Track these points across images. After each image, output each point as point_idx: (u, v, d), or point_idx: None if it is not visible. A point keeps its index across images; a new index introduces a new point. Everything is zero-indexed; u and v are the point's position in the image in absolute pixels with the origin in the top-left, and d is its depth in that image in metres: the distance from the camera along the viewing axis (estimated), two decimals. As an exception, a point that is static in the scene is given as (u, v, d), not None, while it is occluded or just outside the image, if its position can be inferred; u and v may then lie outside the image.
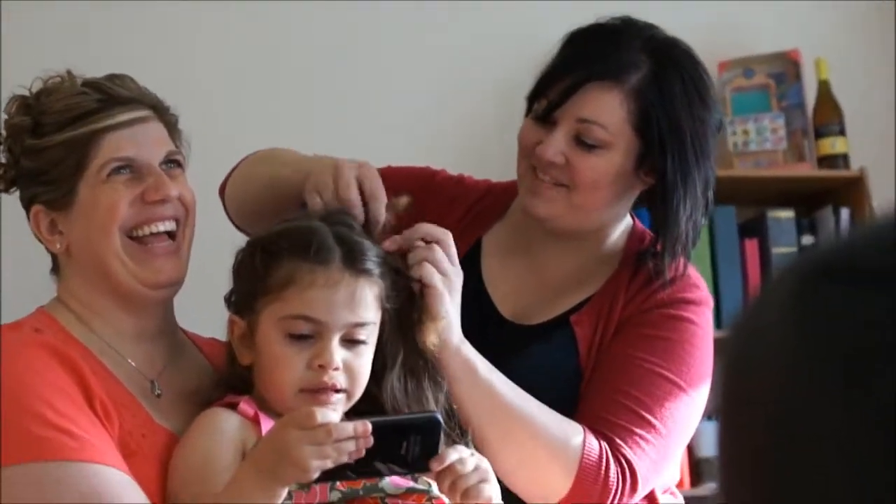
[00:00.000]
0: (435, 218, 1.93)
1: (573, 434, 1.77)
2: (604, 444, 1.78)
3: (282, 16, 3.58)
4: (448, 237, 1.78)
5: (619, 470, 1.77)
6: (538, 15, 3.69)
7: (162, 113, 1.78)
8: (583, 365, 1.87)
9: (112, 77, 1.77)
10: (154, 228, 1.72)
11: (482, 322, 1.91)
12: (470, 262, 1.96)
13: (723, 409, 0.70)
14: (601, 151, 1.83)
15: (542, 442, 1.76)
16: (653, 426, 1.81)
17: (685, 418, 1.86)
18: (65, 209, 1.72)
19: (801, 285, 0.67)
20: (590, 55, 1.86)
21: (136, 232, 1.72)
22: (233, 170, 2.05)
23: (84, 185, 1.71)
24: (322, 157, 1.87)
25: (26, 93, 1.76)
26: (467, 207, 2.04)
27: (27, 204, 1.76)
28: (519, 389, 1.79)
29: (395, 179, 1.92)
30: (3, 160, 1.77)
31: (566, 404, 1.83)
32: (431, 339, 1.72)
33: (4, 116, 1.77)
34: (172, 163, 1.77)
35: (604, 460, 1.76)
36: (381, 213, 1.77)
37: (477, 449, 1.69)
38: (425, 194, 2.00)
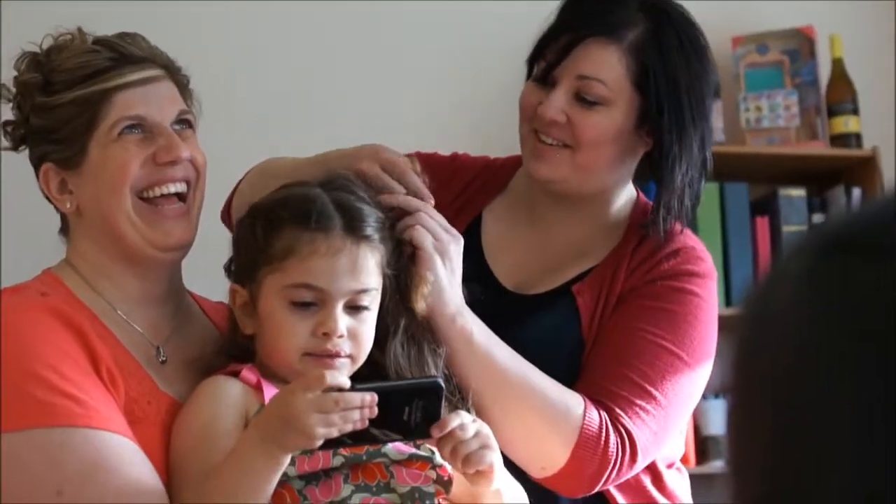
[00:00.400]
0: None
1: (573, 404, 1.77)
2: (604, 414, 1.77)
3: (283, 4, 3.55)
4: (427, 206, 1.78)
5: (618, 440, 1.76)
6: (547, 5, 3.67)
7: (174, 72, 1.77)
8: (585, 335, 1.86)
9: (123, 35, 1.75)
10: (165, 190, 1.71)
11: (485, 293, 1.90)
12: (470, 236, 1.95)
13: (735, 384, 0.69)
14: (602, 108, 1.83)
15: (541, 411, 1.76)
16: (653, 397, 1.80)
17: (687, 391, 1.85)
18: (75, 168, 1.70)
19: (815, 260, 0.66)
20: (587, 13, 1.86)
21: (147, 193, 1.71)
22: (235, 188, 2.01)
23: (95, 144, 1.69)
24: (334, 158, 1.85)
25: (36, 49, 1.75)
26: (464, 185, 2.03)
27: (37, 163, 1.74)
28: (520, 358, 1.78)
29: None
30: (13, 117, 1.75)
31: (568, 374, 1.83)
32: (419, 304, 1.72)
33: (14, 73, 1.75)
34: (184, 122, 1.75)
35: (603, 431, 1.76)
36: (418, 185, 1.78)
37: (477, 416, 1.69)
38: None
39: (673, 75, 1.84)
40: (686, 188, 1.88)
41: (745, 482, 0.67)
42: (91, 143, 1.69)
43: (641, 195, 2.00)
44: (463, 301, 1.78)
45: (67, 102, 1.69)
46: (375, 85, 3.57)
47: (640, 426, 1.79)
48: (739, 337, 0.69)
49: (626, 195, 1.97)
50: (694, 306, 1.86)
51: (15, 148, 1.76)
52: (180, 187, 1.73)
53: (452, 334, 1.76)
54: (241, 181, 2.02)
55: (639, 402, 1.79)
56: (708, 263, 1.92)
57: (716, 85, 1.92)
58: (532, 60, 1.90)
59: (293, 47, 3.54)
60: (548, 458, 1.77)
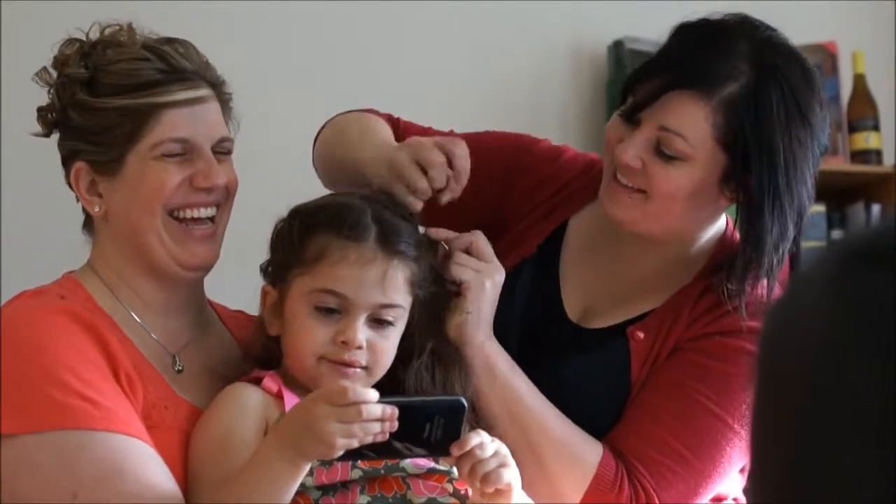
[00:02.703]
0: (521, 197, 1.92)
1: (590, 451, 1.76)
2: (622, 466, 1.75)
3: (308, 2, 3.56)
4: (477, 237, 1.78)
5: (633, 494, 1.74)
6: (567, 3, 3.68)
7: (219, 91, 1.76)
8: (633, 380, 1.82)
9: (173, 43, 1.73)
10: (196, 213, 1.72)
11: (546, 317, 1.88)
12: (552, 245, 1.93)
13: (757, 389, 0.69)
14: (680, 164, 1.74)
15: (555, 453, 1.75)
16: (684, 458, 1.76)
17: (727, 455, 1.78)
18: (109, 174, 1.70)
19: (839, 269, 0.67)
20: (684, 58, 1.75)
21: (179, 213, 1.71)
22: (323, 127, 2.01)
23: (134, 156, 1.69)
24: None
25: (83, 36, 1.73)
26: (560, 186, 1.96)
27: (68, 156, 1.73)
28: (542, 398, 1.77)
29: (489, 150, 1.90)
30: (49, 101, 1.73)
31: (608, 417, 1.81)
32: (451, 331, 1.75)
33: (54, 55, 1.73)
34: (223, 148, 1.75)
35: (618, 483, 1.74)
36: (458, 190, 1.76)
37: None
38: (516, 172, 1.96)
39: (769, 137, 1.72)
40: (774, 263, 1.77)
41: (765, 487, 0.67)
42: (130, 155, 1.69)
43: (730, 228, 1.88)
44: (491, 332, 1.77)
45: (112, 109, 1.68)
46: (400, 79, 3.58)
47: (664, 487, 1.76)
48: (761, 344, 0.69)
49: (714, 229, 1.87)
50: (749, 368, 1.77)
51: (47, 134, 1.75)
52: (211, 212, 1.73)
53: (477, 362, 1.75)
54: (324, 127, 2.00)
55: (667, 462, 1.76)
56: None
57: (823, 147, 1.78)
58: (625, 90, 1.81)
59: (317, 42, 3.55)
60: (557, 501, 1.76)
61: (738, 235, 1.84)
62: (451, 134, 1.98)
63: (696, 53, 1.75)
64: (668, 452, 1.77)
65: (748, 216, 1.76)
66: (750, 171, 1.73)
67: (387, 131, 1.93)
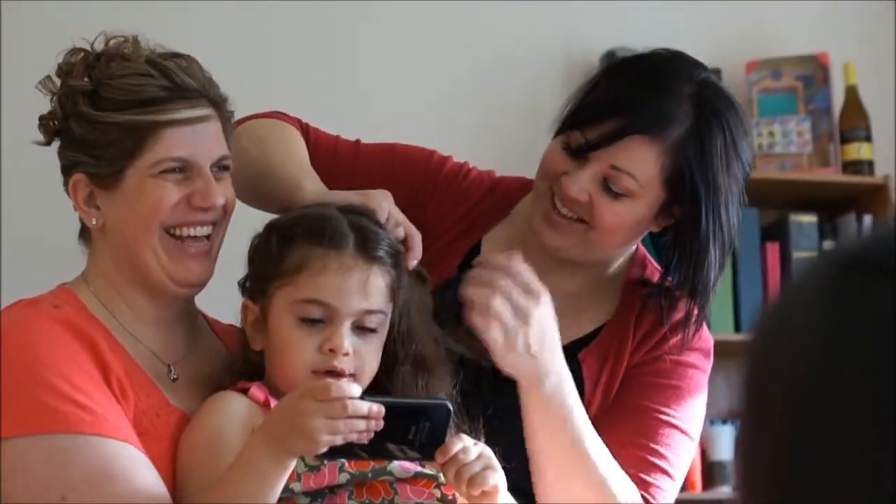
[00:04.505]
0: (434, 217, 1.92)
1: (628, 495, 1.77)
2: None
3: (297, 7, 3.55)
4: (508, 277, 1.70)
5: None
6: (560, 13, 3.68)
7: (222, 109, 1.75)
8: (587, 403, 1.82)
9: (178, 59, 1.73)
10: (193, 232, 1.72)
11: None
12: (470, 266, 1.89)
13: (746, 402, 0.69)
14: (626, 200, 1.80)
15: (596, 494, 1.75)
16: (669, 475, 1.85)
17: (688, 459, 1.91)
18: (107, 188, 1.70)
19: (831, 279, 0.67)
20: (635, 103, 1.80)
21: (175, 231, 1.71)
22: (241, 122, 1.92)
23: (133, 172, 1.68)
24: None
25: (87, 46, 1.72)
26: (469, 206, 1.98)
27: (67, 167, 1.73)
28: (594, 434, 1.76)
29: (400, 170, 1.93)
30: (51, 108, 1.73)
31: None
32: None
33: (59, 63, 1.73)
34: (223, 166, 1.75)
35: None
36: (420, 246, 1.77)
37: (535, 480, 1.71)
38: (428, 191, 1.96)
39: (713, 177, 1.80)
40: (716, 284, 1.88)
41: (758, 496, 0.67)
42: (129, 171, 1.68)
43: (640, 248, 1.98)
44: (555, 366, 1.73)
45: (113, 124, 1.67)
46: (393, 89, 3.58)
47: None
48: (752, 354, 0.69)
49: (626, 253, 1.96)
50: (696, 380, 1.89)
51: (48, 142, 1.75)
52: (208, 230, 1.73)
53: (551, 407, 1.72)
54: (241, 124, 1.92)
55: (661, 483, 1.84)
56: (706, 331, 1.94)
57: (746, 174, 1.87)
58: (566, 124, 1.85)
59: (313, 52, 3.55)
60: None
61: (642, 250, 1.96)
62: (356, 144, 1.99)
63: (645, 96, 1.81)
64: (660, 475, 1.84)
65: (696, 251, 1.84)
66: (694, 205, 1.81)
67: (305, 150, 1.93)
